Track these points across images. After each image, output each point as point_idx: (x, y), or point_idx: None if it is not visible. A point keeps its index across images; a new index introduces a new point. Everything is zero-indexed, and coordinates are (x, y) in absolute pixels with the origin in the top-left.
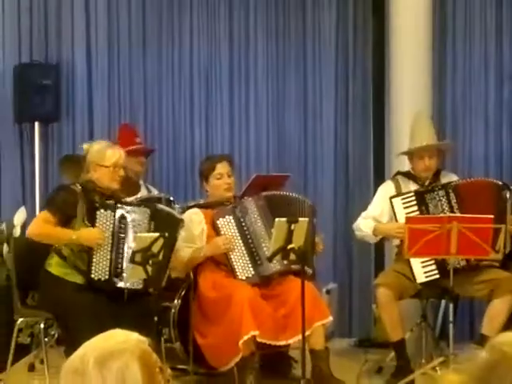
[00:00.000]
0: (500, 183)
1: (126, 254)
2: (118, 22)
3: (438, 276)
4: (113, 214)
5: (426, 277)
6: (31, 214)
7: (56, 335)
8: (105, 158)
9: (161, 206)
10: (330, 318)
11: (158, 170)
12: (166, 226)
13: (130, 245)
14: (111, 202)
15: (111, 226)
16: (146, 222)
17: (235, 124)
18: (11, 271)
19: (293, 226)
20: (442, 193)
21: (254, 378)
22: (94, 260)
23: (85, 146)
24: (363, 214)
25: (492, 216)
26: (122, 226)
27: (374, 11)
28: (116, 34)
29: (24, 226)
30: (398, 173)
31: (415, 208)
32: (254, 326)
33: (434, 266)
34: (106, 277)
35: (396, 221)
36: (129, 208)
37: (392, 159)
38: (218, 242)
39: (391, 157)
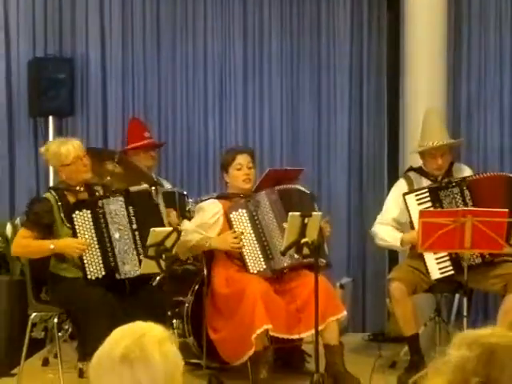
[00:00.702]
0: None
1: (115, 246)
2: (132, 16)
3: (452, 272)
4: (88, 211)
5: (441, 273)
6: None
7: (70, 330)
8: (62, 157)
9: (130, 188)
10: (344, 313)
11: (171, 163)
12: (143, 204)
13: (115, 237)
14: (84, 200)
15: (91, 223)
16: (123, 209)
17: (249, 118)
18: (25, 266)
19: (306, 220)
20: (456, 190)
21: (268, 373)
22: (86, 262)
23: (41, 151)
24: (379, 218)
25: (507, 210)
26: (102, 220)
27: (389, 6)
28: (130, 28)
29: None
30: (410, 169)
31: (429, 204)
32: (267, 319)
33: (448, 263)
34: (103, 273)
35: (410, 217)
36: (103, 201)
37: (406, 153)
38: (226, 238)
39: (406, 151)
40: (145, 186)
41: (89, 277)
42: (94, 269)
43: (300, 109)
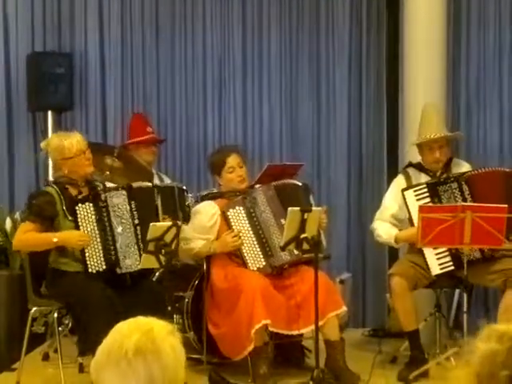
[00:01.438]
0: None
1: (117, 240)
2: (130, 10)
3: (452, 268)
4: (91, 204)
5: (441, 268)
6: None
7: (70, 324)
8: (65, 150)
9: (134, 183)
10: (344, 309)
11: (170, 158)
12: (145, 201)
13: (118, 230)
14: (88, 193)
15: (93, 217)
16: (126, 203)
17: (248, 113)
18: (25, 260)
19: (306, 216)
20: (454, 185)
21: (268, 368)
22: (87, 255)
23: (42, 145)
24: (378, 214)
25: (506, 205)
26: (104, 214)
27: (388, 3)
28: (129, 23)
29: None
30: (409, 164)
31: (428, 200)
32: (266, 314)
33: (448, 258)
34: (104, 267)
35: (408, 213)
36: (106, 194)
37: (405, 148)
38: (226, 239)
39: (405, 146)
40: (147, 183)
41: (90, 270)
42: (95, 262)
43: (299, 105)
